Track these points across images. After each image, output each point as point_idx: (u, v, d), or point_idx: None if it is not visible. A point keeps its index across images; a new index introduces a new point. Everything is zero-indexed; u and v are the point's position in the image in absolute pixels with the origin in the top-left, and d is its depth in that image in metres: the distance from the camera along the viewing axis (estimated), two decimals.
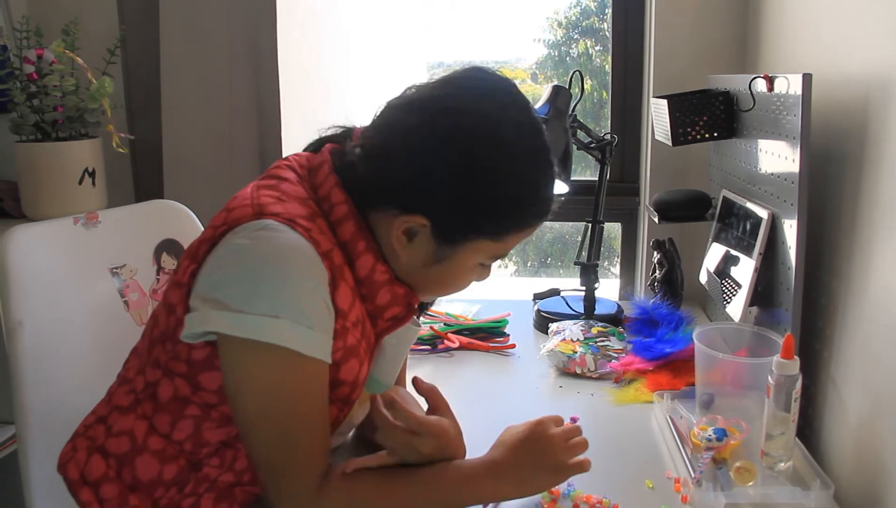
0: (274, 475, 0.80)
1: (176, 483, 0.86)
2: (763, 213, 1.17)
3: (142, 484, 0.86)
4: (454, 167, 0.79)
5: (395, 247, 0.84)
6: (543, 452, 0.88)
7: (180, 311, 0.82)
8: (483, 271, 0.92)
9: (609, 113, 1.83)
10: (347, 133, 0.93)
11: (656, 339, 1.36)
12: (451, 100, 0.82)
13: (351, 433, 1.06)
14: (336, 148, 0.90)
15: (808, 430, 1.12)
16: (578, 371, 1.31)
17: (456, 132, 0.80)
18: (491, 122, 0.81)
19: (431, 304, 1.09)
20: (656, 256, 1.58)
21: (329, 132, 0.95)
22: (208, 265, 0.80)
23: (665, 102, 1.34)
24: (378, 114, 0.87)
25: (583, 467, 0.88)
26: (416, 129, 0.82)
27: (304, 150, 0.96)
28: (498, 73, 0.86)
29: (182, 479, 0.86)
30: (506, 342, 1.46)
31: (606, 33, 1.94)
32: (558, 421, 0.92)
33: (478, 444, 1.05)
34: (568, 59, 2.17)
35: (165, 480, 0.86)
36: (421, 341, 1.45)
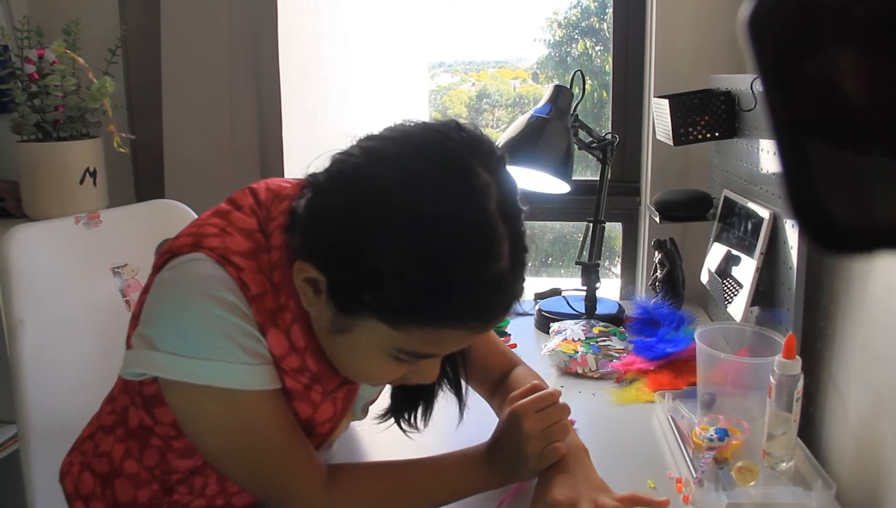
0: (278, 501, 0.80)
1: (150, 507, 0.87)
2: (764, 213, 1.17)
3: (121, 505, 0.87)
4: (345, 217, 0.68)
5: (303, 303, 0.74)
6: (521, 445, 0.87)
7: (130, 344, 0.78)
8: (410, 367, 0.76)
9: (610, 113, 1.83)
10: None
11: (658, 339, 1.36)
12: (364, 165, 0.70)
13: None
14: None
15: (810, 430, 1.12)
16: (580, 371, 1.31)
17: (358, 187, 0.69)
18: (402, 189, 0.67)
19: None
20: (657, 256, 1.58)
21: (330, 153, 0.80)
22: (147, 296, 0.78)
23: (666, 101, 1.34)
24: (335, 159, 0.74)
25: (558, 453, 0.88)
26: (334, 174, 0.72)
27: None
28: (471, 135, 0.71)
29: (156, 503, 0.87)
30: (507, 342, 1.46)
31: (607, 33, 1.94)
32: (539, 401, 0.90)
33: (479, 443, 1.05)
34: (568, 59, 2.17)
35: (140, 503, 0.87)
36: None
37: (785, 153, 0.29)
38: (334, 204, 0.70)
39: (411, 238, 0.65)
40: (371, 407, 0.96)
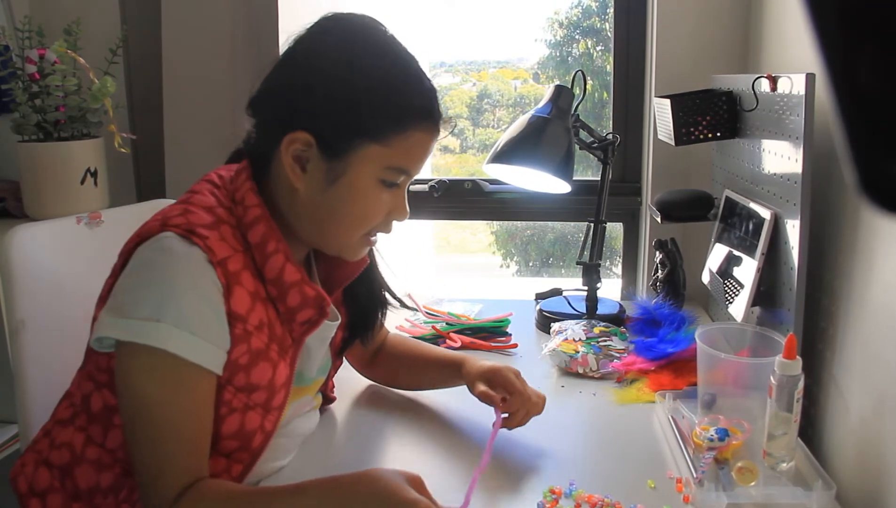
0: (140, 480, 0.82)
1: (112, 490, 0.89)
2: (766, 213, 1.17)
3: (82, 493, 0.89)
4: (318, 77, 0.86)
5: (292, 181, 0.87)
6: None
7: None
8: (394, 198, 0.91)
9: (611, 113, 1.83)
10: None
11: (658, 339, 1.36)
12: (308, 37, 0.91)
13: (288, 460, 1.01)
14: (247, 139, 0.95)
15: (811, 430, 1.12)
16: (580, 371, 1.31)
17: (312, 52, 0.89)
18: (346, 42, 0.88)
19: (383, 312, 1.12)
20: (658, 256, 1.58)
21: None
22: (121, 276, 0.84)
23: (668, 101, 1.34)
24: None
25: None
26: (279, 65, 0.90)
27: (227, 161, 1.01)
28: (358, 15, 0.92)
29: (118, 486, 0.89)
30: (508, 342, 1.46)
31: (608, 33, 1.94)
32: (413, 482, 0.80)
33: (479, 443, 1.05)
34: (569, 59, 2.17)
35: (103, 488, 0.89)
36: (423, 340, 1.44)
37: (848, 103, 0.29)
38: (297, 74, 0.88)
39: (379, 71, 0.86)
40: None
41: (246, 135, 0.95)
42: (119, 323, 0.79)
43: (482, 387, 1.05)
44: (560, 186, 1.44)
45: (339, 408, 1.17)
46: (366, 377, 1.25)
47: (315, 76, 0.86)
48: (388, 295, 1.12)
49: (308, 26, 0.91)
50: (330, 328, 1.01)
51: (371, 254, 1.07)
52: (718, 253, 1.36)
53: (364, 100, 0.85)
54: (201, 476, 0.82)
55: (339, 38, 0.88)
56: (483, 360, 1.12)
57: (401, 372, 1.22)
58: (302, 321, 0.91)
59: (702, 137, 1.35)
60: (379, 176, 0.88)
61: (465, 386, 1.10)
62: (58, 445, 0.92)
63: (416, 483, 0.79)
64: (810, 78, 1.03)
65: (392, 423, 1.13)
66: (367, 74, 0.86)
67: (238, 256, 0.85)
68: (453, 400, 1.19)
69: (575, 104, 1.45)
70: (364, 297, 1.08)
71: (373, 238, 0.95)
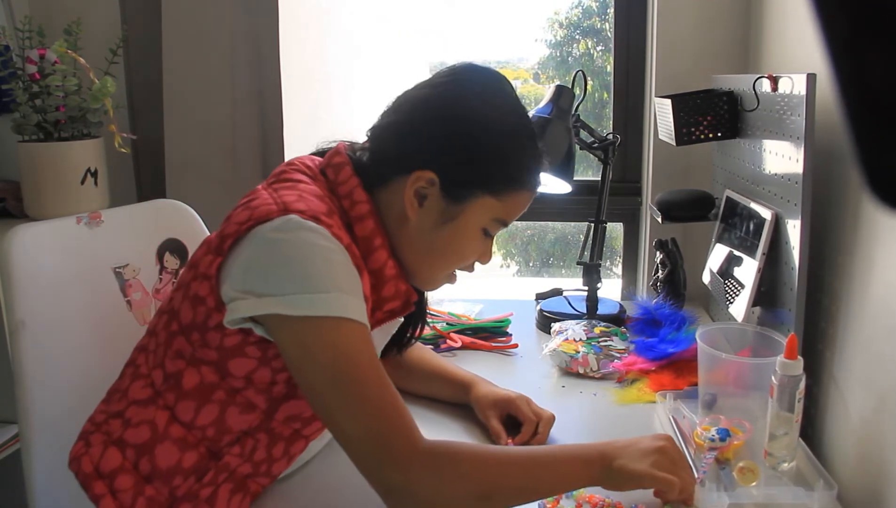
0: (368, 445, 0.80)
1: (195, 471, 0.88)
2: (766, 213, 1.17)
3: (160, 473, 0.88)
4: (453, 125, 0.92)
5: (407, 211, 0.92)
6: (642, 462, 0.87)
7: (211, 302, 0.85)
8: (485, 245, 0.99)
9: (611, 113, 1.83)
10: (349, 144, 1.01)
11: (659, 339, 1.36)
12: (450, 85, 0.95)
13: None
14: (349, 146, 0.99)
15: (812, 430, 1.12)
16: (581, 371, 1.31)
17: (454, 102, 0.93)
18: (485, 97, 0.94)
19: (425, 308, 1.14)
20: (659, 256, 1.58)
21: (329, 144, 1.02)
22: (241, 258, 0.84)
23: (669, 101, 1.34)
24: (385, 109, 0.98)
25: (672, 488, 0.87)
26: (420, 105, 0.94)
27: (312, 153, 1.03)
28: (490, 69, 0.98)
29: (202, 467, 0.88)
30: (508, 342, 1.46)
31: (608, 33, 1.94)
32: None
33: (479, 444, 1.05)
34: (570, 59, 2.17)
35: (185, 468, 0.88)
36: (424, 340, 1.44)
37: (854, 98, 0.28)
38: (434, 114, 0.93)
39: (508, 130, 0.93)
40: None
41: (354, 145, 1.00)
42: (287, 300, 0.80)
43: (496, 423, 1.09)
44: (560, 187, 1.44)
45: None
46: None
47: (452, 125, 0.92)
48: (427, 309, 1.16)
49: (444, 72, 0.97)
50: (395, 325, 1.06)
51: None
52: (719, 253, 1.35)
53: (492, 156, 0.92)
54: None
55: (478, 92, 0.94)
56: (493, 386, 1.15)
57: (408, 378, 1.22)
58: (387, 309, 0.95)
59: (702, 137, 1.35)
60: (485, 225, 0.95)
61: (476, 373, 1.13)
62: (135, 424, 0.89)
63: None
64: (811, 78, 1.03)
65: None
66: (500, 131, 0.92)
67: (353, 246, 0.88)
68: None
69: (575, 104, 1.45)
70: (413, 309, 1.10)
71: (455, 275, 1.01)
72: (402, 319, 1.06)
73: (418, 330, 1.12)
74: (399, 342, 1.11)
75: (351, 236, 0.89)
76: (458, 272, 1.02)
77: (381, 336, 1.04)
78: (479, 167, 0.92)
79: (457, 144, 0.92)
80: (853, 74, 0.28)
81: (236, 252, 0.85)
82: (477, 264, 1.02)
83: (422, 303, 1.10)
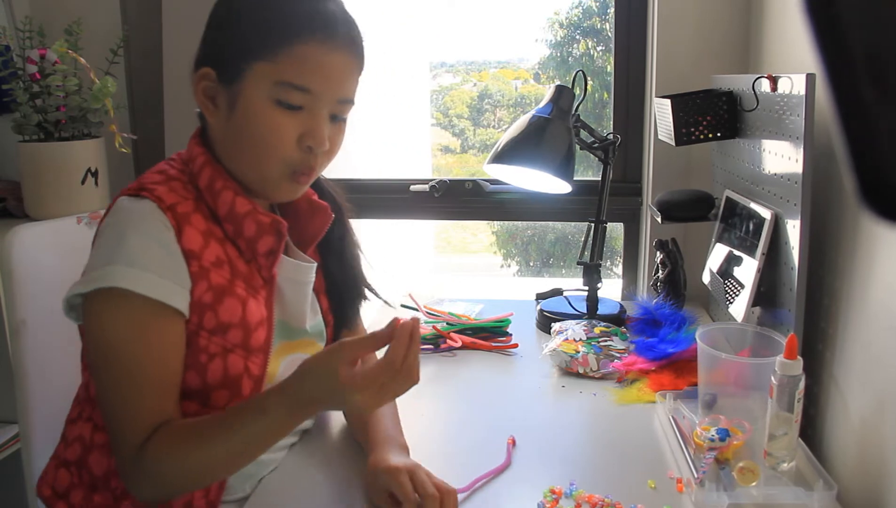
0: (109, 428, 0.84)
1: None
2: (766, 213, 1.17)
3: (98, 480, 0.91)
4: (211, 14, 0.93)
5: (208, 119, 0.90)
6: (327, 384, 0.79)
7: None
8: (293, 119, 0.87)
9: (611, 113, 1.83)
10: None
11: (659, 339, 1.36)
12: None
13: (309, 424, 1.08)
14: None
15: (811, 430, 1.12)
16: (581, 371, 1.31)
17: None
18: None
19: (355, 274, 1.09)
20: (659, 256, 1.58)
21: None
22: None
23: (668, 102, 1.34)
24: None
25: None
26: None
27: None
28: None
29: None
30: (508, 342, 1.46)
31: (608, 33, 1.95)
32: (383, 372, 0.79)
33: (479, 444, 1.05)
34: (570, 59, 2.17)
35: (115, 470, 0.90)
36: (424, 340, 1.45)
37: (849, 112, 0.29)
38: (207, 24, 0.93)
39: None
40: None
41: None
42: (79, 283, 0.83)
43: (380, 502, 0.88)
44: (561, 187, 1.44)
45: None
46: None
47: (210, 16, 0.93)
48: (367, 289, 1.11)
49: None
50: (303, 271, 0.98)
51: (351, 243, 1.08)
52: (719, 253, 1.36)
53: (245, 19, 0.88)
54: (169, 419, 0.83)
55: None
56: (390, 453, 0.92)
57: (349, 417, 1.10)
58: (263, 251, 0.91)
59: (702, 137, 1.35)
60: (271, 95, 0.86)
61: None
62: (70, 441, 0.94)
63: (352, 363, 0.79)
64: (810, 78, 1.03)
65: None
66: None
67: (188, 202, 0.87)
68: (456, 395, 1.19)
69: (575, 104, 1.45)
70: (342, 284, 1.08)
71: (300, 176, 0.90)
72: (313, 277, 1.00)
73: (355, 306, 1.08)
74: (341, 317, 1.08)
75: (198, 193, 0.89)
76: (302, 166, 0.89)
77: (292, 289, 0.97)
78: (235, 37, 0.88)
79: (213, 27, 0.91)
80: (847, 87, 0.28)
81: None
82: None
83: (353, 275, 1.07)
